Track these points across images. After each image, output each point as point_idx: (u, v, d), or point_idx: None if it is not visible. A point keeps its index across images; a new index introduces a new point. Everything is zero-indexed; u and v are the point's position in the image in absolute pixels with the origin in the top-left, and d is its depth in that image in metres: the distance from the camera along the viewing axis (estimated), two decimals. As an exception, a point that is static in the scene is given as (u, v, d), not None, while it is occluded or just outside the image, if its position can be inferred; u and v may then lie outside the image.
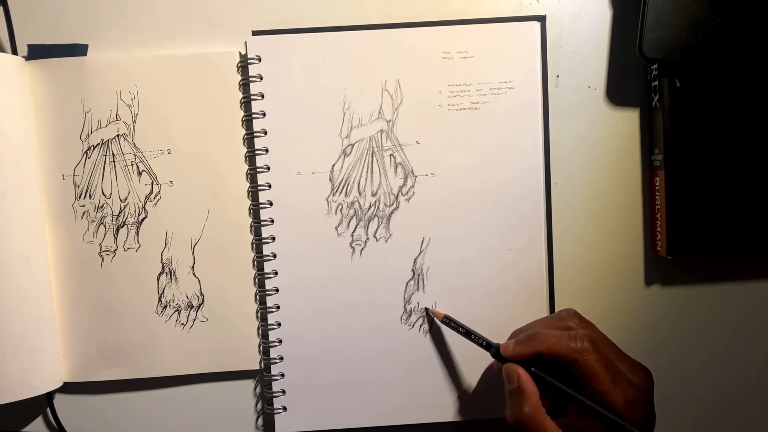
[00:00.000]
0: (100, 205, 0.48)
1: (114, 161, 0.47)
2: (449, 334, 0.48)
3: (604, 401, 0.39)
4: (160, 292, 0.48)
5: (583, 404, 0.40)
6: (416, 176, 0.48)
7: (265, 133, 0.47)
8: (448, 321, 0.47)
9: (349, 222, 0.48)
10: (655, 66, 0.46)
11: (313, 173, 0.47)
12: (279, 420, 0.49)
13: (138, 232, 0.48)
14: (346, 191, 0.48)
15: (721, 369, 0.50)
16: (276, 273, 0.48)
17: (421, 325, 0.48)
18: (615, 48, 0.48)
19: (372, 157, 0.48)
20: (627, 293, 0.49)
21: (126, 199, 0.48)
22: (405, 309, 0.48)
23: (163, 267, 0.48)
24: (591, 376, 0.40)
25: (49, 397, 0.49)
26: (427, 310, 0.48)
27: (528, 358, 0.42)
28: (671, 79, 0.46)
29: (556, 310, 0.49)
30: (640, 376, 0.41)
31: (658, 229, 0.48)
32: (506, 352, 0.43)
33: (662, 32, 0.44)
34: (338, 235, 0.48)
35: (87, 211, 0.48)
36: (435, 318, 0.48)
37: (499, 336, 0.47)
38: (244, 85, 0.47)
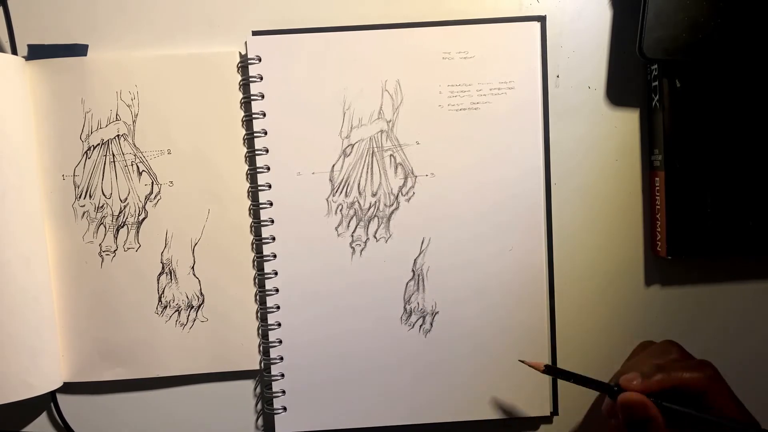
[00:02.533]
0: (100, 205, 0.48)
1: (114, 161, 0.47)
2: (449, 335, 0.48)
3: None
4: (160, 292, 0.48)
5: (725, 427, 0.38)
6: (416, 176, 0.48)
7: (265, 133, 0.47)
8: (551, 370, 0.44)
9: (349, 222, 0.48)
10: (655, 66, 0.46)
11: (313, 173, 0.47)
12: (279, 420, 0.49)
13: (138, 232, 0.48)
14: (346, 191, 0.48)
15: (720, 369, 0.50)
16: (276, 273, 0.48)
17: (421, 326, 0.48)
18: (615, 48, 0.48)
19: (372, 157, 0.48)
20: (627, 293, 0.49)
21: (126, 199, 0.48)
22: (405, 309, 0.48)
23: (163, 267, 0.48)
24: (723, 407, 0.38)
25: (53, 396, 0.49)
26: (523, 362, 0.45)
27: (656, 391, 0.40)
28: (671, 79, 0.46)
29: (557, 310, 0.49)
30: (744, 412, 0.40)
31: (658, 229, 0.48)
32: (631, 386, 0.40)
33: (662, 32, 0.44)
34: (338, 235, 0.48)
35: (87, 211, 0.48)
36: (535, 368, 0.44)
37: (505, 337, 0.47)
38: (244, 86, 0.47)
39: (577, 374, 0.43)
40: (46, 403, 0.49)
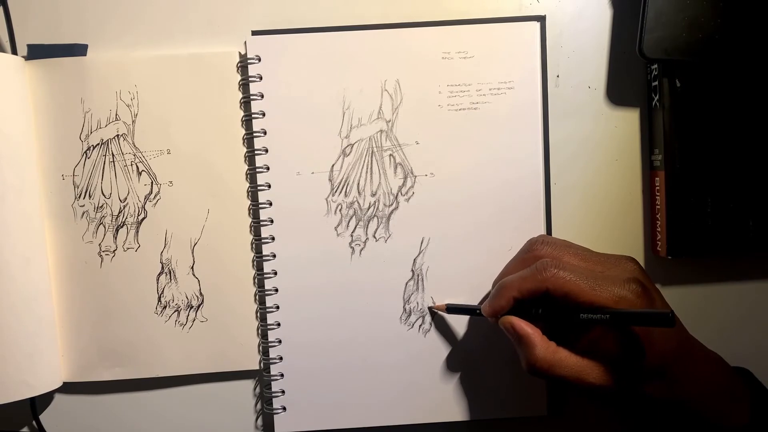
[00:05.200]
0: (100, 205, 0.48)
1: (114, 161, 0.47)
2: (448, 334, 0.48)
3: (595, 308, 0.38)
4: (160, 293, 0.48)
5: (578, 321, 0.38)
6: (416, 176, 0.48)
7: (265, 133, 0.47)
8: (453, 308, 0.47)
9: (349, 222, 0.48)
10: (655, 66, 0.46)
11: (312, 173, 0.47)
12: (278, 420, 0.49)
13: (137, 232, 0.48)
14: (346, 191, 0.48)
15: (721, 369, 0.50)
16: (275, 273, 0.48)
17: (420, 325, 0.48)
18: (615, 48, 0.48)
19: (371, 157, 0.47)
20: (627, 293, 0.49)
21: (125, 199, 0.48)
22: (404, 309, 0.48)
23: (162, 267, 0.48)
24: (569, 296, 0.38)
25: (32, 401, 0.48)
26: (430, 309, 0.48)
27: (507, 309, 0.41)
28: (671, 79, 0.46)
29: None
30: (624, 268, 0.40)
31: (658, 229, 0.48)
32: (486, 313, 0.42)
33: (662, 32, 0.44)
34: (338, 235, 0.48)
35: (87, 211, 0.48)
36: (439, 312, 0.48)
37: (500, 337, 0.47)
38: (244, 85, 0.47)
39: (470, 306, 0.46)
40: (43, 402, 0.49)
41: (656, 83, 0.46)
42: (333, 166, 0.47)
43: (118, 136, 0.47)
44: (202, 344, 0.48)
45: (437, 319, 0.48)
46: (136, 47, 0.47)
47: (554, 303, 0.40)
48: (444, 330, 0.48)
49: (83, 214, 0.48)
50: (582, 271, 0.39)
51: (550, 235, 0.48)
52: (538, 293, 0.40)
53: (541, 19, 0.47)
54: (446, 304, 0.47)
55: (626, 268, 0.41)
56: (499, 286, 0.41)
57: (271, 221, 0.48)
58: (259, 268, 0.48)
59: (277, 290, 0.48)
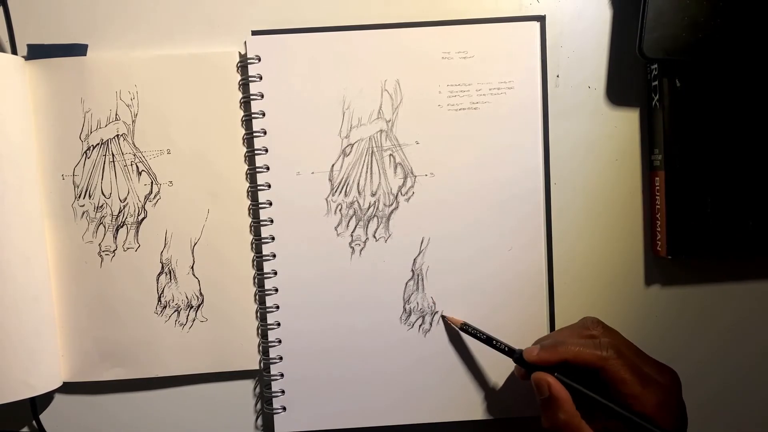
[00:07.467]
0: (100, 205, 0.48)
1: (113, 161, 0.47)
2: (448, 334, 0.48)
3: (635, 405, 0.40)
4: (160, 292, 0.48)
5: (612, 410, 0.40)
6: (416, 176, 0.48)
7: (265, 132, 0.47)
8: (467, 328, 0.47)
9: (349, 222, 0.48)
10: (655, 66, 0.46)
11: (312, 173, 0.47)
12: (278, 420, 0.49)
13: (137, 232, 0.48)
14: (346, 191, 0.48)
15: (720, 369, 0.50)
16: (275, 273, 0.48)
17: (420, 325, 0.48)
18: (615, 48, 0.48)
19: (371, 157, 0.47)
20: (627, 293, 0.49)
21: (125, 199, 0.48)
22: (404, 309, 0.48)
23: (162, 267, 0.48)
24: (619, 382, 0.40)
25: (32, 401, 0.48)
26: (443, 318, 0.48)
27: (553, 364, 0.42)
28: (671, 79, 0.46)
29: (556, 310, 0.49)
30: (667, 377, 0.42)
31: (658, 229, 0.48)
32: (530, 357, 0.43)
33: (662, 32, 0.44)
34: (338, 235, 0.48)
35: (86, 211, 0.48)
36: (453, 325, 0.48)
37: (504, 337, 0.47)
38: (244, 85, 0.47)
39: (486, 334, 0.46)
40: (43, 401, 0.49)
41: (656, 83, 0.46)
42: (333, 165, 0.47)
43: (118, 136, 0.47)
44: (202, 344, 0.48)
45: (437, 318, 0.48)
46: (136, 47, 0.48)
47: (576, 377, 0.42)
48: (444, 330, 0.48)
49: (83, 214, 0.48)
50: (636, 366, 0.41)
51: (550, 235, 0.48)
52: (590, 367, 0.41)
53: (541, 19, 0.47)
54: (462, 323, 0.47)
55: (668, 377, 0.42)
56: (556, 343, 0.43)
57: (271, 221, 0.48)
58: (259, 268, 0.48)
59: (277, 290, 0.48)
